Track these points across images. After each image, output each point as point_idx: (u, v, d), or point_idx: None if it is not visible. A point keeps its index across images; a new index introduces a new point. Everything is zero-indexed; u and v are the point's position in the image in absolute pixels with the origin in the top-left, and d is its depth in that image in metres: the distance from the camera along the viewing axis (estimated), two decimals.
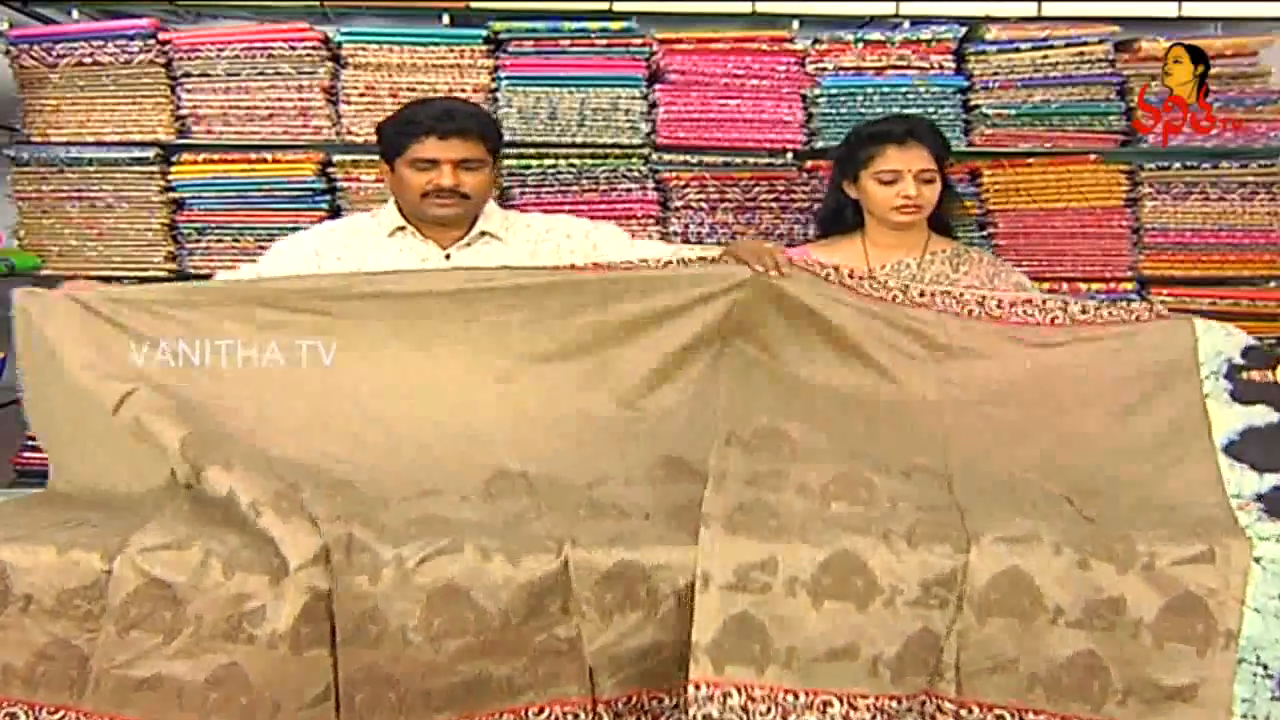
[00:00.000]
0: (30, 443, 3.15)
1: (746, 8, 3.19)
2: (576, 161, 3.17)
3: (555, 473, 2.03)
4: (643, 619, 1.76)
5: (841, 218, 2.73)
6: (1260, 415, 2.06)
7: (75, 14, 3.21)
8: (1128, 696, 1.75)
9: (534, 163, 3.17)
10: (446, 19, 3.17)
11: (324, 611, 1.70)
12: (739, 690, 1.73)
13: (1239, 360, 2.14)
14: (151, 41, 3.08)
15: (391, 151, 2.50)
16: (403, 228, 2.55)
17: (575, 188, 3.19)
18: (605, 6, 3.17)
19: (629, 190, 3.19)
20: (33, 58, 3.08)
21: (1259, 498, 1.95)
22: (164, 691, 1.67)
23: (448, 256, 2.54)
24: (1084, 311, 2.25)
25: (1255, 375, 2.11)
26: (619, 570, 1.76)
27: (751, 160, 3.23)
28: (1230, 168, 3.25)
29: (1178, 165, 3.23)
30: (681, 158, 3.19)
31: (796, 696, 1.74)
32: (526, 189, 3.18)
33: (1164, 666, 1.75)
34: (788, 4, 3.20)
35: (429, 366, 2.15)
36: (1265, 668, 1.74)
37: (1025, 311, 2.26)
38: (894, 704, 1.75)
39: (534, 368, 2.16)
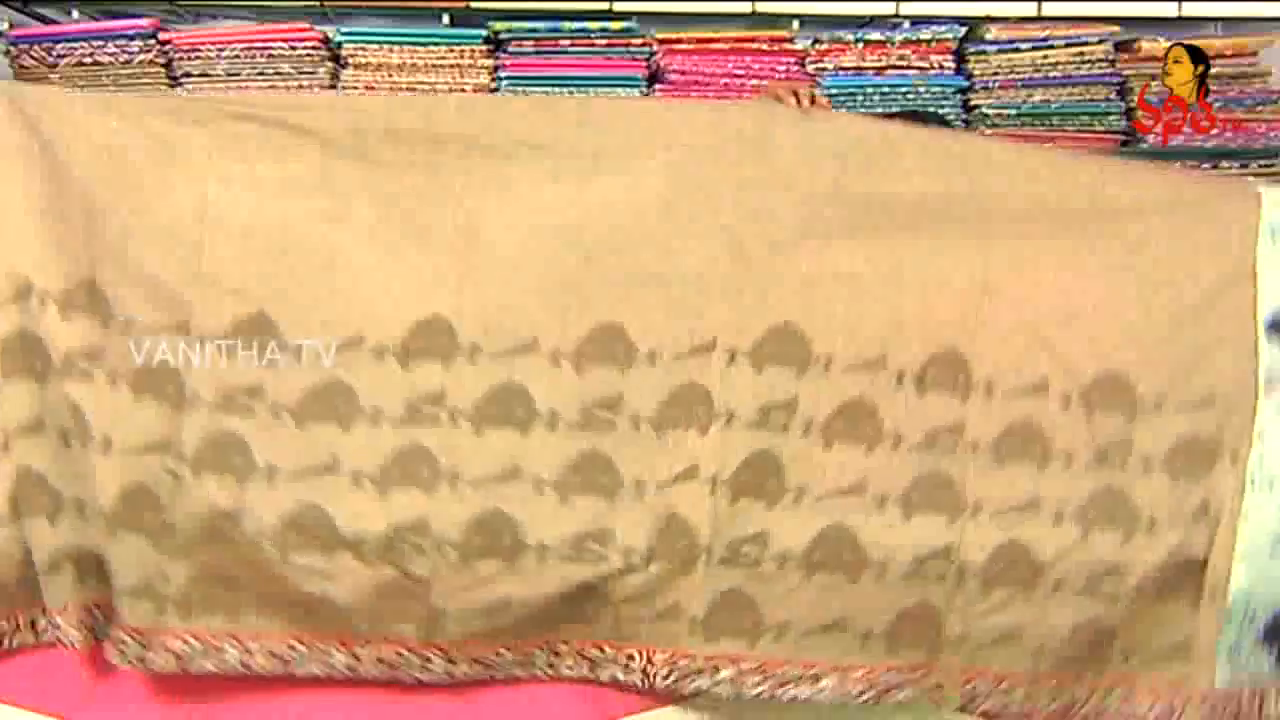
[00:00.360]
0: None
1: (746, 8, 3.19)
2: None
3: (485, 330, 1.81)
4: (501, 569, 1.74)
5: None
6: None
7: (75, 14, 3.20)
8: (1130, 656, 1.79)
9: None
10: (446, 19, 3.16)
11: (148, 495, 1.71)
12: (731, 662, 1.73)
13: None
14: (151, 41, 3.08)
15: None
16: None
17: None
18: (605, 6, 3.16)
19: None
20: (33, 58, 3.08)
21: None
22: None
23: None
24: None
25: None
26: (486, 519, 1.75)
27: None
28: (1230, 168, 3.24)
29: (1178, 165, 3.23)
30: None
31: (788, 669, 1.75)
32: None
33: (1162, 624, 1.79)
34: (788, 4, 3.19)
35: (391, 187, 1.87)
36: (1252, 617, 1.78)
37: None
38: (890, 675, 1.75)
39: (500, 195, 1.87)
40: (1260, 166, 3.25)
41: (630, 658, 1.77)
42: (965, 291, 1.85)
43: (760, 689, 1.74)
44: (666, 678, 1.76)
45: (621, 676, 1.78)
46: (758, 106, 2.00)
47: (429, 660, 1.74)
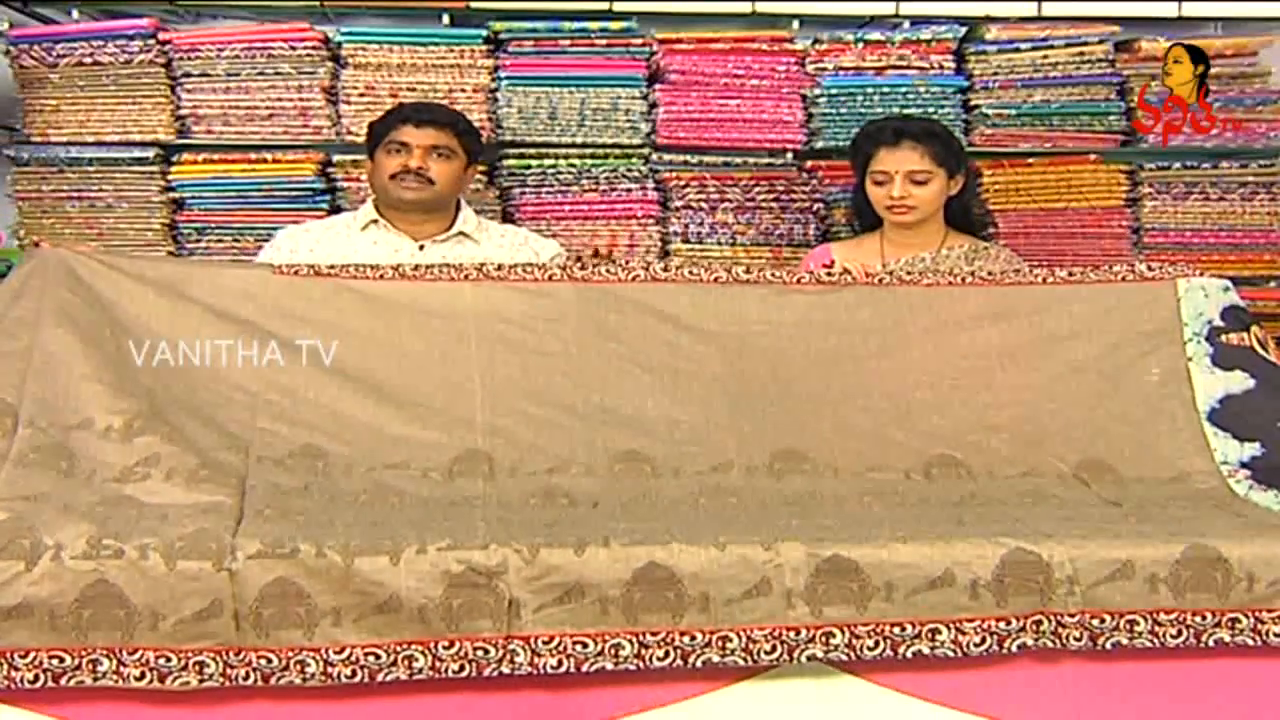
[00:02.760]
0: None
1: (746, 8, 3.19)
2: (576, 161, 3.17)
3: (520, 457, 2.09)
4: (570, 557, 1.74)
5: (867, 215, 2.77)
6: (1238, 382, 2.18)
7: (75, 14, 3.21)
8: (1254, 583, 1.79)
9: (534, 163, 3.17)
10: (446, 19, 3.17)
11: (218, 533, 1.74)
12: (841, 629, 1.74)
13: (1219, 323, 2.25)
14: (151, 41, 3.08)
15: (373, 143, 2.63)
16: (375, 221, 2.65)
17: (575, 188, 3.19)
18: (605, 6, 3.17)
19: (629, 190, 3.19)
20: (33, 58, 3.08)
21: (1243, 465, 2.09)
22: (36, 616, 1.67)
23: (421, 248, 2.63)
24: (1070, 274, 2.40)
25: (1233, 338, 2.22)
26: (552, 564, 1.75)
27: (751, 160, 3.23)
28: (1230, 168, 3.25)
29: (1178, 165, 3.24)
30: (681, 158, 3.19)
31: (903, 628, 1.75)
32: (526, 189, 3.18)
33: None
34: (788, 4, 3.20)
35: (422, 347, 2.20)
36: None
37: (1016, 274, 2.44)
38: (1003, 625, 1.76)
39: (525, 362, 2.21)
40: (1260, 166, 3.25)
41: (725, 639, 1.74)
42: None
43: (877, 651, 1.74)
44: (771, 652, 1.74)
45: (718, 659, 1.74)
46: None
47: (513, 654, 1.71)
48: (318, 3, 3.21)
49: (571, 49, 3.14)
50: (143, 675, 1.67)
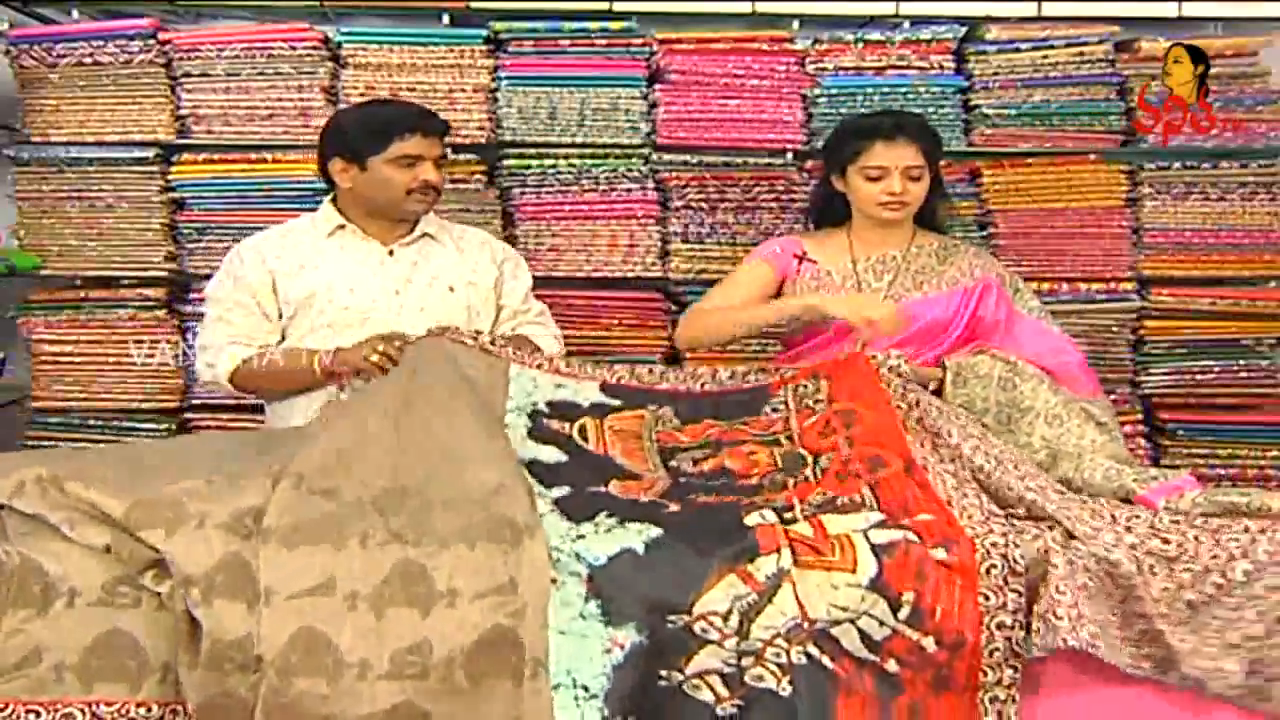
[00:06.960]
0: (29, 442, 3.15)
1: (746, 8, 3.19)
2: (576, 161, 3.17)
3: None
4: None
5: (831, 211, 2.71)
6: (549, 454, 2.07)
7: (75, 14, 3.21)
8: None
9: (534, 163, 3.17)
10: (446, 19, 3.17)
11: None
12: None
13: (543, 409, 2.18)
14: (151, 41, 3.08)
15: (366, 149, 2.49)
16: (342, 226, 2.58)
17: (575, 188, 3.19)
18: (605, 6, 3.17)
19: (629, 190, 3.20)
20: (33, 58, 3.08)
21: (556, 503, 1.89)
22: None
23: (390, 253, 2.58)
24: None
25: (555, 426, 2.13)
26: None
27: (751, 160, 3.23)
28: (1230, 168, 3.25)
29: (1178, 165, 3.24)
30: (681, 158, 3.19)
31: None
32: (527, 189, 3.18)
33: (483, 705, 1.65)
34: (788, 4, 3.20)
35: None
36: (585, 689, 1.65)
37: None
38: None
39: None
40: (1260, 166, 3.25)
41: None
42: None
43: None
44: None
45: None
46: None
47: None
48: (318, 3, 3.21)
49: (571, 49, 3.14)
50: None
